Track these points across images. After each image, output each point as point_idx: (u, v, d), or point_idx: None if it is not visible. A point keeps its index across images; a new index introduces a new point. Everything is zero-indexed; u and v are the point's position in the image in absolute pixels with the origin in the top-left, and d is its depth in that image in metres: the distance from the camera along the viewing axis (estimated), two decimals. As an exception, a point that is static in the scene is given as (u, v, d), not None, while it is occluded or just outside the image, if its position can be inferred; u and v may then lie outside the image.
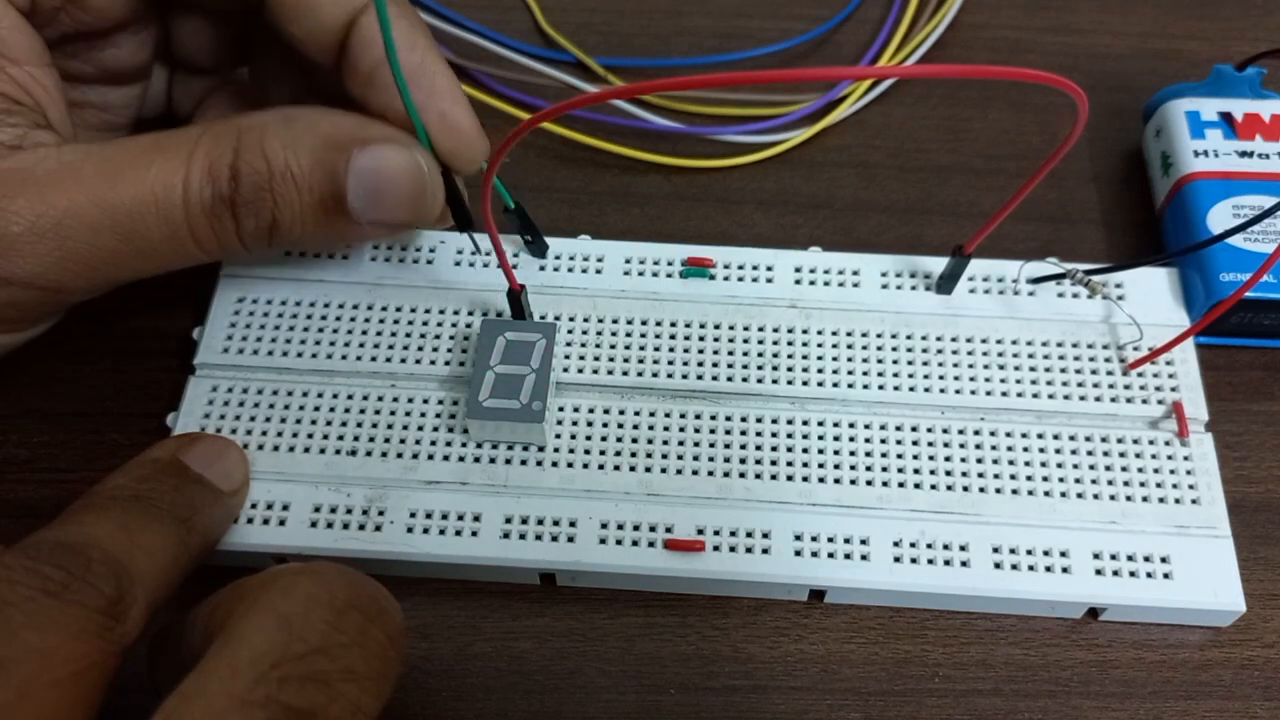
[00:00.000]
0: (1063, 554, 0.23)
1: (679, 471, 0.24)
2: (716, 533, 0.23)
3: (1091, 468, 0.24)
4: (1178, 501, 0.24)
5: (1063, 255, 0.27)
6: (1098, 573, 0.23)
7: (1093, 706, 0.23)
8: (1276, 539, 0.25)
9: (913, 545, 0.23)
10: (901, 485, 0.24)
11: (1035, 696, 0.23)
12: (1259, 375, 0.27)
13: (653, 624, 0.24)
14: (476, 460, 0.24)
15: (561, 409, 0.25)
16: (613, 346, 0.26)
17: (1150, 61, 0.33)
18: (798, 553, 0.23)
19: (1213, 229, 0.26)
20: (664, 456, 0.24)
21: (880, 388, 0.25)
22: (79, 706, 0.17)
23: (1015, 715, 0.23)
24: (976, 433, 0.25)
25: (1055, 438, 0.25)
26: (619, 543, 0.23)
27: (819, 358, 0.26)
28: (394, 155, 0.22)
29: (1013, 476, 0.24)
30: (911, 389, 0.25)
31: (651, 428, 0.25)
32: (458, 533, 0.23)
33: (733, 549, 0.23)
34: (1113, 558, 0.23)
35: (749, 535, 0.23)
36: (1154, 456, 0.24)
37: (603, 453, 0.24)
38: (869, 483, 0.24)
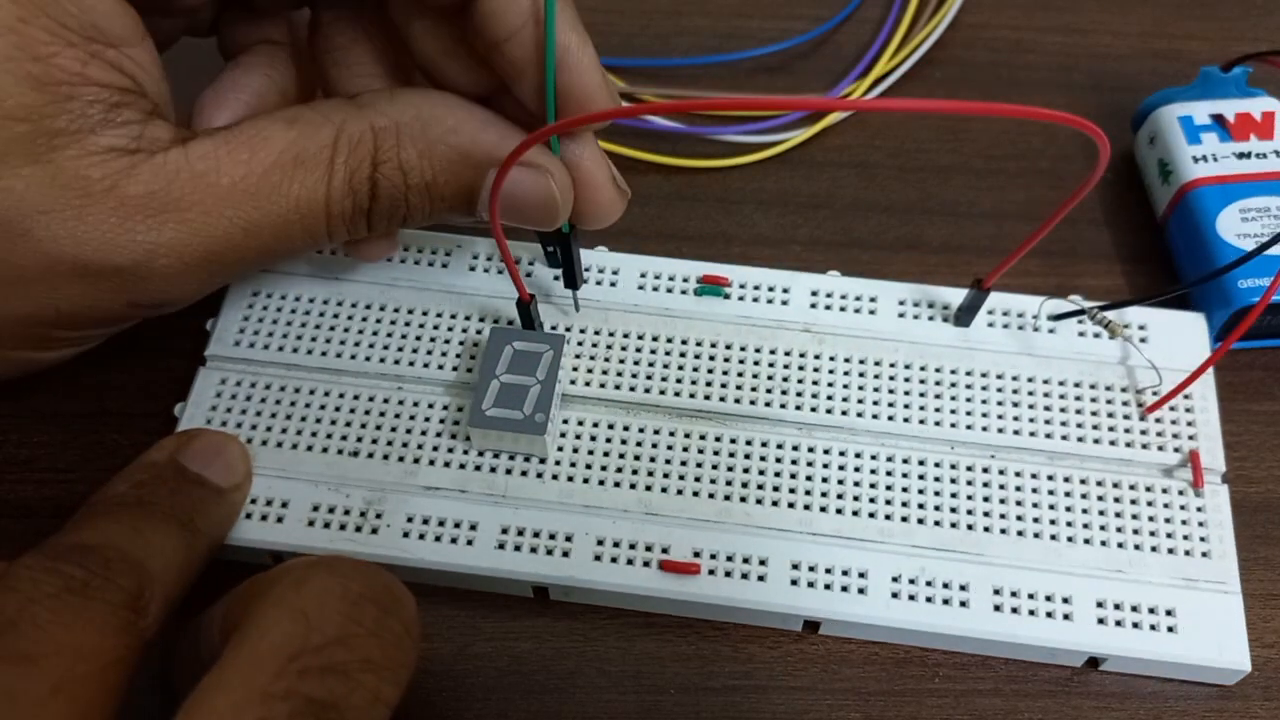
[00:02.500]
0: (1065, 600, 0.23)
1: (679, 492, 0.24)
2: (713, 556, 0.23)
3: (1101, 513, 0.24)
4: (1188, 553, 0.23)
5: (1063, 255, 0.27)
6: (1100, 621, 0.22)
7: (1093, 706, 0.23)
8: (1276, 539, 0.25)
9: (912, 581, 0.23)
10: (905, 519, 0.24)
11: (1035, 696, 0.23)
12: (1259, 375, 0.27)
13: (653, 624, 0.24)
14: (477, 468, 0.24)
15: (566, 421, 0.25)
16: (621, 361, 0.26)
17: (1150, 62, 0.33)
18: (794, 582, 0.23)
19: (1222, 234, 0.26)
20: (665, 476, 0.24)
21: (890, 418, 0.25)
22: (107, 700, 0.17)
23: (1015, 715, 0.23)
24: (985, 470, 0.24)
25: (1066, 480, 0.24)
26: (614, 560, 0.23)
27: (830, 384, 0.25)
28: (531, 182, 0.22)
29: (1019, 517, 0.24)
30: (922, 421, 0.25)
31: (655, 446, 0.24)
32: (453, 540, 0.23)
33: (728, 574, 0.23)
34: (1116, 607, 0.23)
35: (745, 561, 0.23)
36: (1166, 505, 0.24)
37: (604, 468, 0.24)
38: (871, 515, 0.24)
